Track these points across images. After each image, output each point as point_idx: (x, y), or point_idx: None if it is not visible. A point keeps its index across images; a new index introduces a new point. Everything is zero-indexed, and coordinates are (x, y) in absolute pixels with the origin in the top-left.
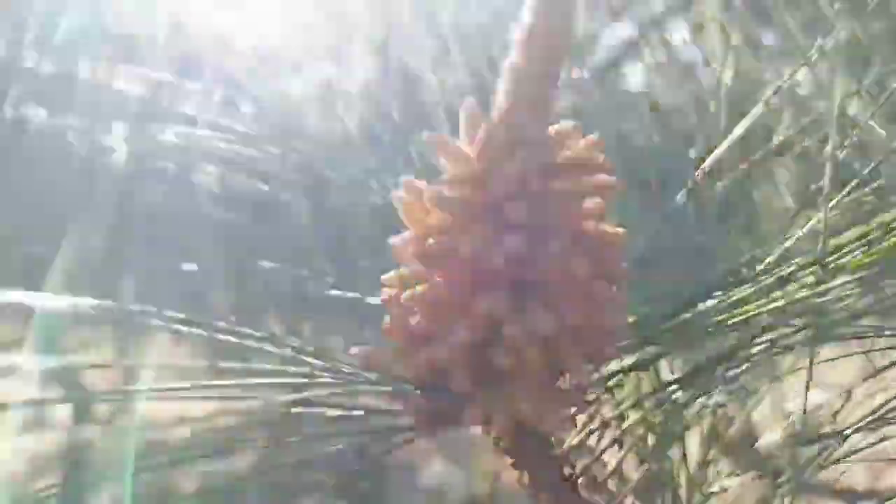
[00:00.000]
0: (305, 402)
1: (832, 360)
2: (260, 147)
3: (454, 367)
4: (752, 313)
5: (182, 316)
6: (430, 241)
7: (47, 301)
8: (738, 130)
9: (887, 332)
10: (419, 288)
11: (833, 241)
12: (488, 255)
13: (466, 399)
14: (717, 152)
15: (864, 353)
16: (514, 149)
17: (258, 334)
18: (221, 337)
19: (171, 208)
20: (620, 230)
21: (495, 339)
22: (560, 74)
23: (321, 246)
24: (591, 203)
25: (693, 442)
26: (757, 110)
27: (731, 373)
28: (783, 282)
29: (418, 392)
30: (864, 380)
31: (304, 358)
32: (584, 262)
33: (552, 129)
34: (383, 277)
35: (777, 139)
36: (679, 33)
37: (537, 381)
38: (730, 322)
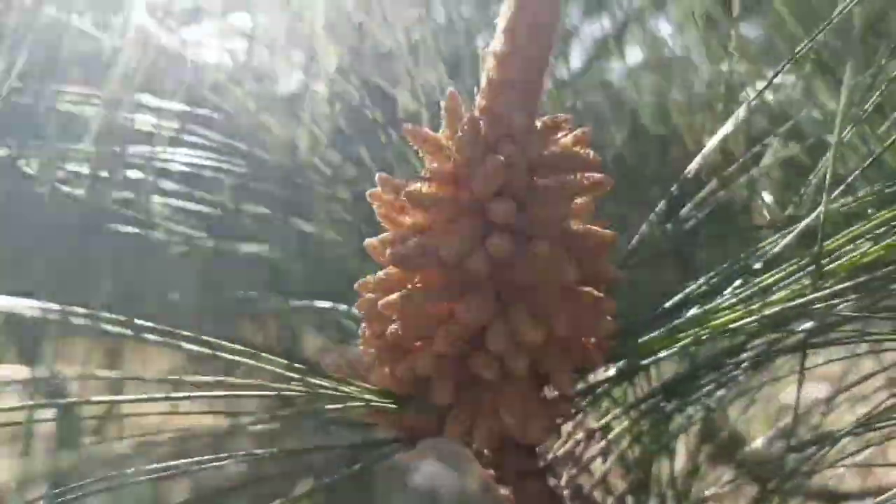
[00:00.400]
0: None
1: (814, 367)
2: (225, 160)
3: (434, 377)
4: (740, 322)
5: (167, 329)
6: (409, 242)
7: (23, 305)
8: (720, 135)
9: (867, 338)
10: (397, 294)
11: (826, 244)
12: (471, 259)
13: (448, 411)
14: (699, 157)
15: (847, 357)
16: (498, 143)
17: (238, 347)
18: (204, 350)
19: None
20: (611, 232)
21: (478, 348)
22: (549, 60)
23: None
24: (580, 202)
25: (681, 449)
26: (739, 113)
27: (719, 379)
28: (770, 290)
29: (396, 406)
30: (846, 388)
31: (280, 370)
32: (573, 267)
33: (539, 122)
34: (358, 283)
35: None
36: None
37: (521, 392)
38: (718, 330)
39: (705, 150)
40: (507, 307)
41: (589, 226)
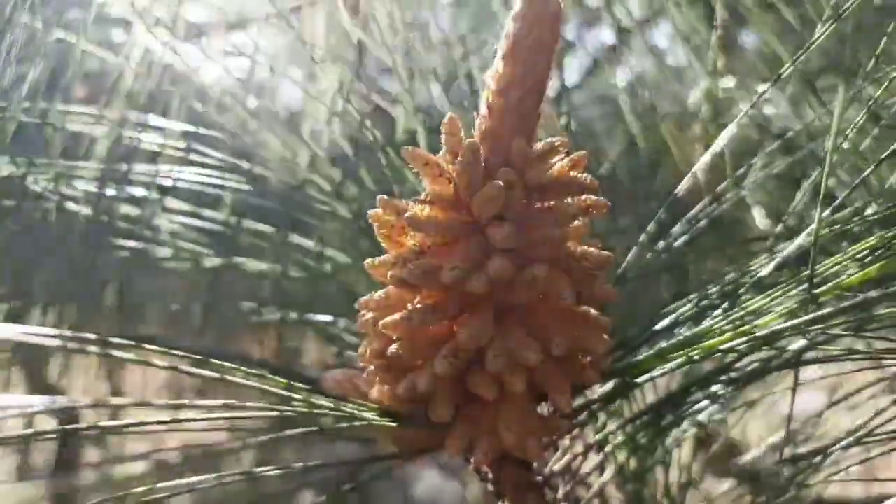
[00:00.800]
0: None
1: (809, 382)
2: (228, 177)
3: (434, 396)
4: (731, 344)
5: (173, 352)
6: (410, 265)
7: (31, 333)
8: (712, 150)
9: (855, 357)
10: (397, 314)
11: (820, 267)
12: (471, 281)
13: (447, 428)
14: (690, 174)
15: (837, 375)
16: (497, 168)
17: (243, 369)
18: (211, 374)
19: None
20: (607, 253)
21: (477, 367)
22: (546, 87)
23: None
24: (577, 224)
25: (676, 461)
26: (731, 129)
27: (712, 395)
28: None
29: (395, 424)
30: (842, 399)
31: (282, 391)
32: (571, 288)
33: (537, 146)
34: (359, 301)
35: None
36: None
37: (519, 410)
38: (710, 350)
39: (695, 168)
40: (505, 328)
41: (585, 247)
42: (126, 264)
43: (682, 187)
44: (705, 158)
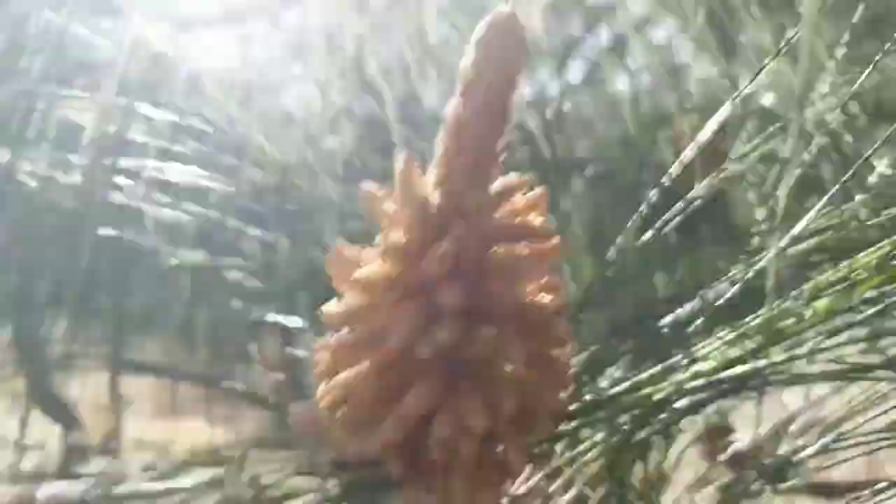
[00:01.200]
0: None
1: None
2: (217, 177)
3: (386, 456)
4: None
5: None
6: (353, 328)
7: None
8: (704, 135)
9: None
10: (346, 373)
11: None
12: (417, 346)
13: (401, 481)
14: (678, 162)
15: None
16: (451, 217)
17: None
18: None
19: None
20: (562, 301)
21: (428, 430)
22: (506, 127)
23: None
24: (533, 270)
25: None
26: (722, 112)
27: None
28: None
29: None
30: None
31: None
32: (522, 348)
33: (494, 186)
34: (316, 344)
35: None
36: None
37: (472, 467)
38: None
39: (685, 154)
40: (455, 390)
41: (541, 295)
42: (111, 261)
43: (674, 171)
44: (694, 145)
